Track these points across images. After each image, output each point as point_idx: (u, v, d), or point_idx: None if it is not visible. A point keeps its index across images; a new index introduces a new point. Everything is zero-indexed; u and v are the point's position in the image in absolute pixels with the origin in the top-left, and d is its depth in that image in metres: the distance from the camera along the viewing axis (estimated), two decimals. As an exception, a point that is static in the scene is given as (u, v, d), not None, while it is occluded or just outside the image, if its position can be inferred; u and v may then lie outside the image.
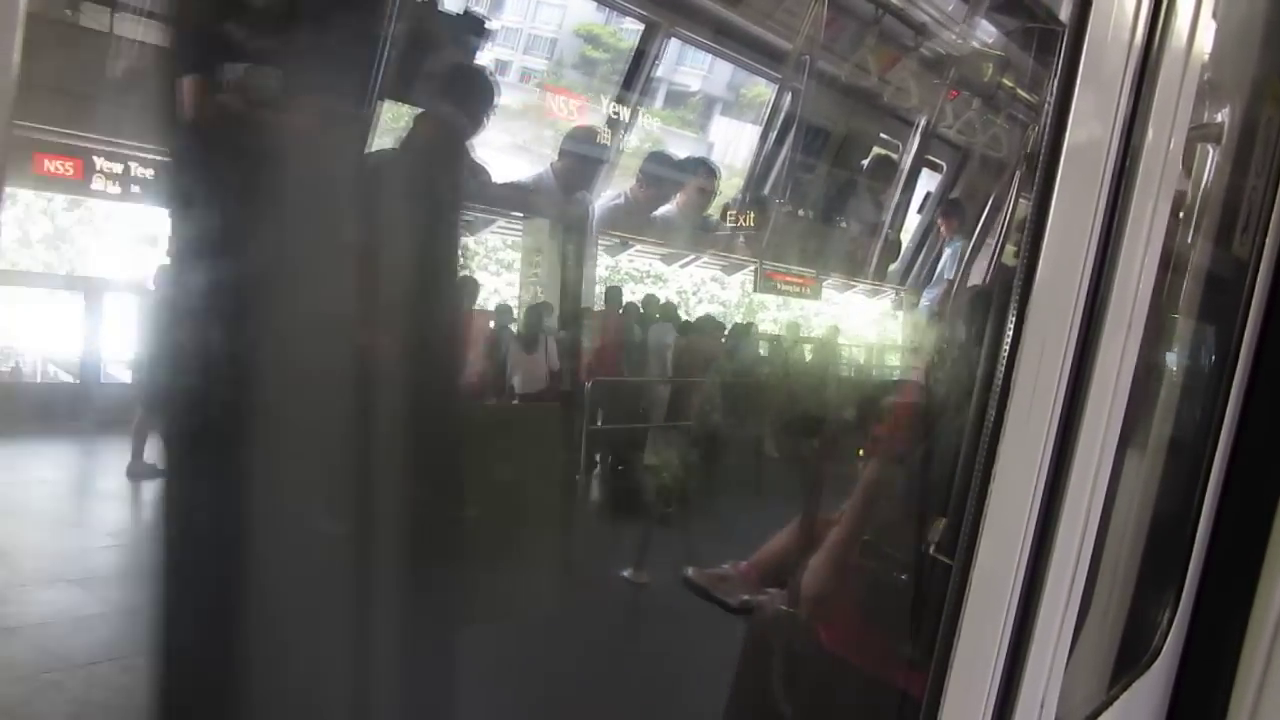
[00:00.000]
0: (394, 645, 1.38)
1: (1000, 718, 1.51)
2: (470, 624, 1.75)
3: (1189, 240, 2.16)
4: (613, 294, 4.61)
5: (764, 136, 4.42)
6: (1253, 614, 2.26)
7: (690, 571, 2.55)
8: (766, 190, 4.49)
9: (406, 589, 1.40)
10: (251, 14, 1.24)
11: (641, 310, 4.62)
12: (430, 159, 1.82)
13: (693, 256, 4.84)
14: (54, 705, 2.21)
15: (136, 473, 2.79)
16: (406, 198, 1.57)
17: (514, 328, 3.81)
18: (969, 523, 1.43)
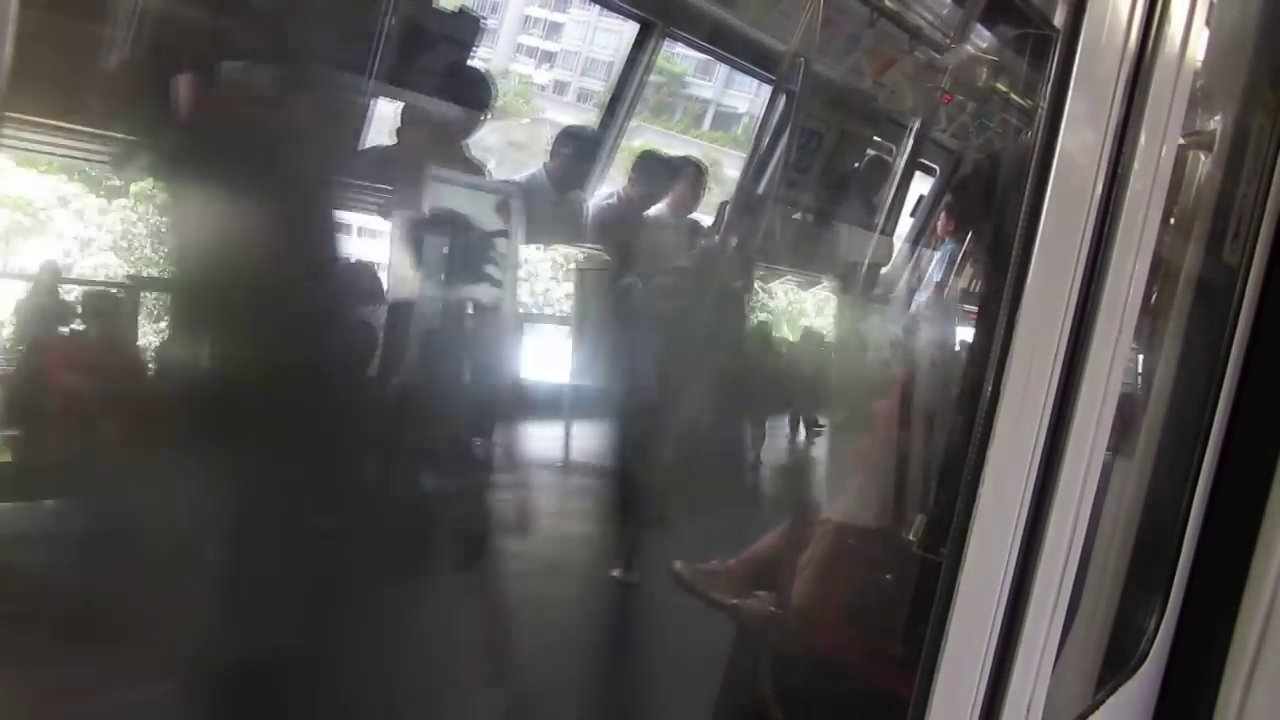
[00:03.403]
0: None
1: (987, 720, 1.52)
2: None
3: (1180, 247, 2.16)
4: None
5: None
6: (1239, 618, 2.27)
7: (678, 565, 2.53)
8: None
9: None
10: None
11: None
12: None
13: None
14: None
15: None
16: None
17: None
18: (958, 525, 1.43)
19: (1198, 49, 1.54)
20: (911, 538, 1.54)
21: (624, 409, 2.13)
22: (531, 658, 1.69)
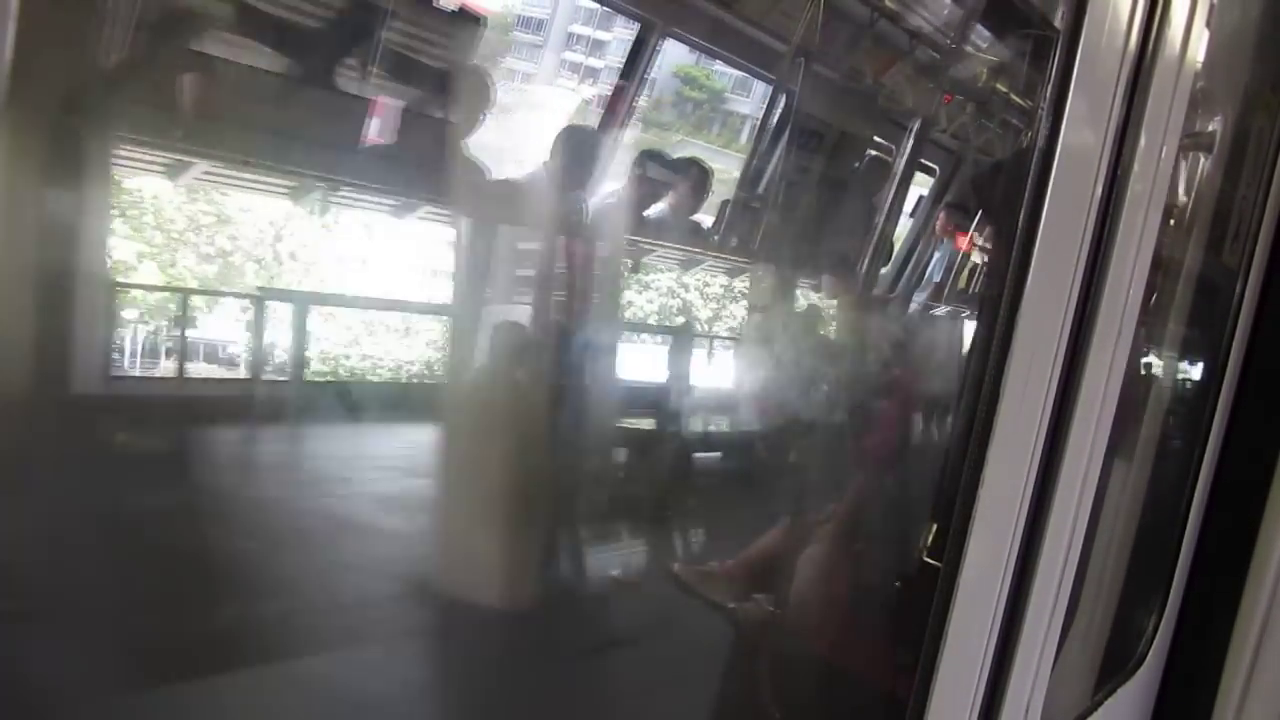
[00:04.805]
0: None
1: (985, 722, 1.52)
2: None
3: (1179, 248, 2.16)
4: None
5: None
6: (1237, 620, 2.27)
7: (677, 567, 2.54)
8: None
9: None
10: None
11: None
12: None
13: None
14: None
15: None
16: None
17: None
18: (957, 528, 1.43)
19: (1198, 50, 1.54)
20: (920, 545, 1.55)
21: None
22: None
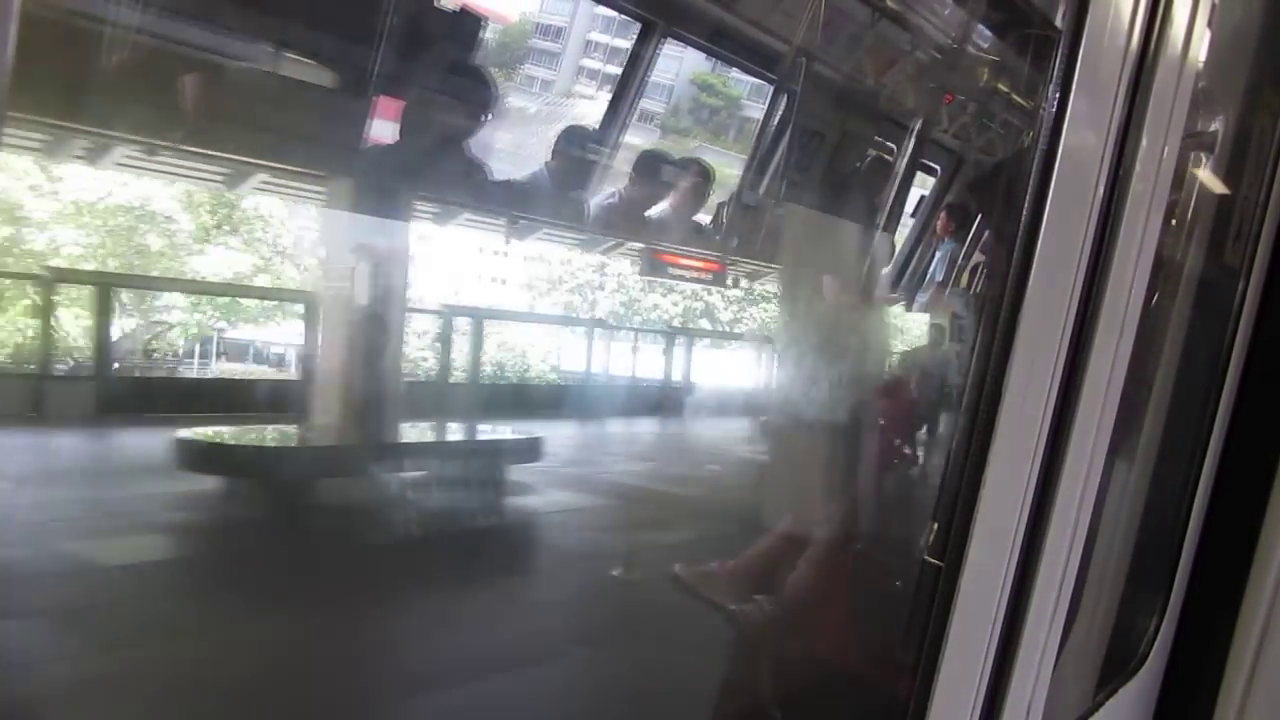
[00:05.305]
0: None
1: (987, 722, 1.52)
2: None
3: (1181, 248, 2.16)
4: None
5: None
6: (1239, 621, 2.27)
7: (678, 568, 2.55)
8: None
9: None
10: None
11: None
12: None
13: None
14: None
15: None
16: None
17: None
18: (959, 527, 1.43)
19: (1199, 50, 1.54)
20: (921, 544, 1.55)
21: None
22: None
